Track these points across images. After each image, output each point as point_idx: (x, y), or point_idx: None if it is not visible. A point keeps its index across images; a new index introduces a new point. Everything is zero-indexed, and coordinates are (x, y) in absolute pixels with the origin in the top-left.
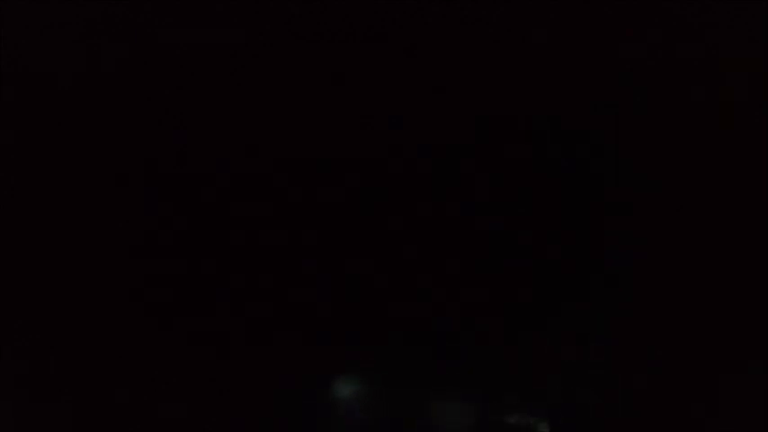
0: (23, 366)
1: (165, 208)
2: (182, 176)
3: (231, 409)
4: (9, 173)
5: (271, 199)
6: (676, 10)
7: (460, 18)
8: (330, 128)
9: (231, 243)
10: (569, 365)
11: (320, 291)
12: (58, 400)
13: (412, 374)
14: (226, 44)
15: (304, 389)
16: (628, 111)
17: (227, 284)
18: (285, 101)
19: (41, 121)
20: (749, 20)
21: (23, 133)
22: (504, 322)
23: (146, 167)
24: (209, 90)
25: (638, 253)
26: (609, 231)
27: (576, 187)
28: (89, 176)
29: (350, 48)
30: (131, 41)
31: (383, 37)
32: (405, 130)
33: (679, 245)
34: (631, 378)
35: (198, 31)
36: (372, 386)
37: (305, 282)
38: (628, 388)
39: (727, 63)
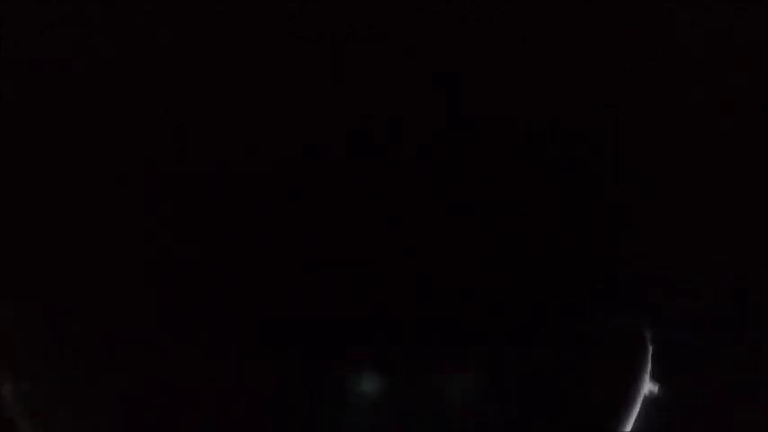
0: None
1: (167, 208)
2: (182, 176)
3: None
4: (9, 172)
5: (275, 198)
6: (676, 10)
7: (460, 18)
8: (331, 128)
9: (236, 243)
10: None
11: (323, 289)
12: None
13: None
14: (225, 44)
15: (310, 387)
16: (628, 111)
17: (231, 284)
18: (285, 100)
19: (41, 120)
20: (749, 20)
21: (23, 132)
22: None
23: (146, 167)
24: (209, 90)
25: (639, 250)
26: (609, 231)
27: (577, 186)
28: (90, 176)
29: (349, 47)
30: (131, 41)
31: (383, 36)
32: (405, 131)
33: (680, 244)
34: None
35: (198, 30)
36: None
37: (309, 281)
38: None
39: (728, 63)
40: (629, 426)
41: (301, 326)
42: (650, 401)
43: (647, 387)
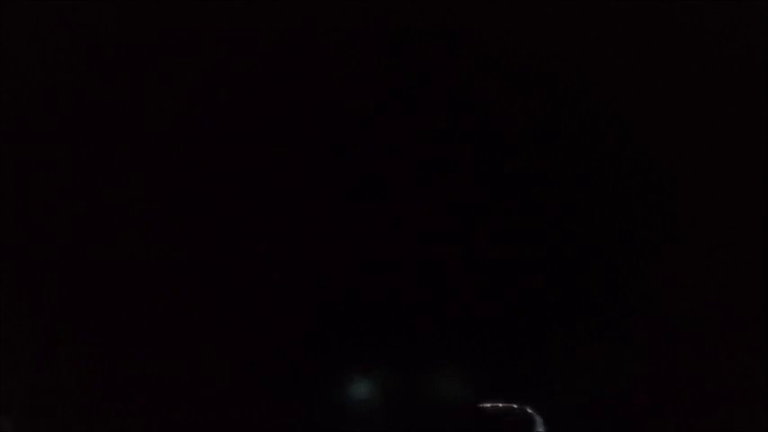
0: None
1: (167, 209)
2: (183, 176)
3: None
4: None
5: (276, 200)
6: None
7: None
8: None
9: (241, 244)
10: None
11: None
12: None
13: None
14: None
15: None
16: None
17: (229, 285)
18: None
19: (42, 121)
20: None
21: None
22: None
23: (146, 168)
24: (209, 90)
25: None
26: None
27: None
28: (90, 177)
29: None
30: (131, 41)
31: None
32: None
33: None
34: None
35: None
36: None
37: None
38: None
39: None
40: None
41: (298, 328)
42: None
43: None
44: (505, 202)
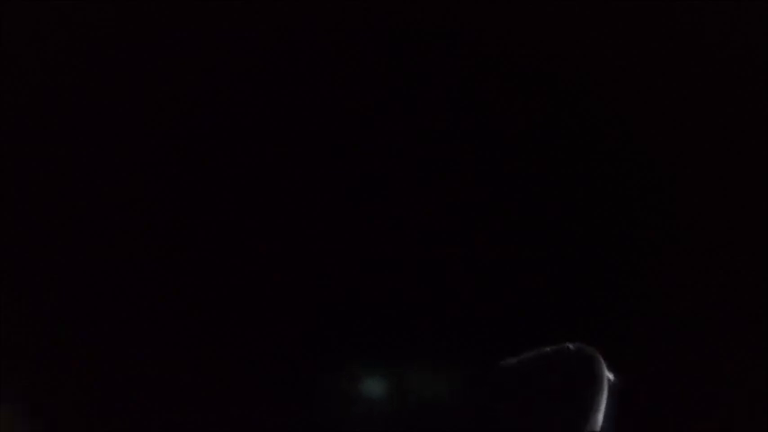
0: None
1: (167, 209)
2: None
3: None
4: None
5: (276, 200)
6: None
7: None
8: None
9: (241, 244)
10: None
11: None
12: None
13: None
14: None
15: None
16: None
17: (228, 285)
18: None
19: (42, 121)
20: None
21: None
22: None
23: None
24: (209, 90)
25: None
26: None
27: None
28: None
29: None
30: (131, 41)
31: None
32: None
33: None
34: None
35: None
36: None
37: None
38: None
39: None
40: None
41: (298, 328)
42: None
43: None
44: (505, 202)
